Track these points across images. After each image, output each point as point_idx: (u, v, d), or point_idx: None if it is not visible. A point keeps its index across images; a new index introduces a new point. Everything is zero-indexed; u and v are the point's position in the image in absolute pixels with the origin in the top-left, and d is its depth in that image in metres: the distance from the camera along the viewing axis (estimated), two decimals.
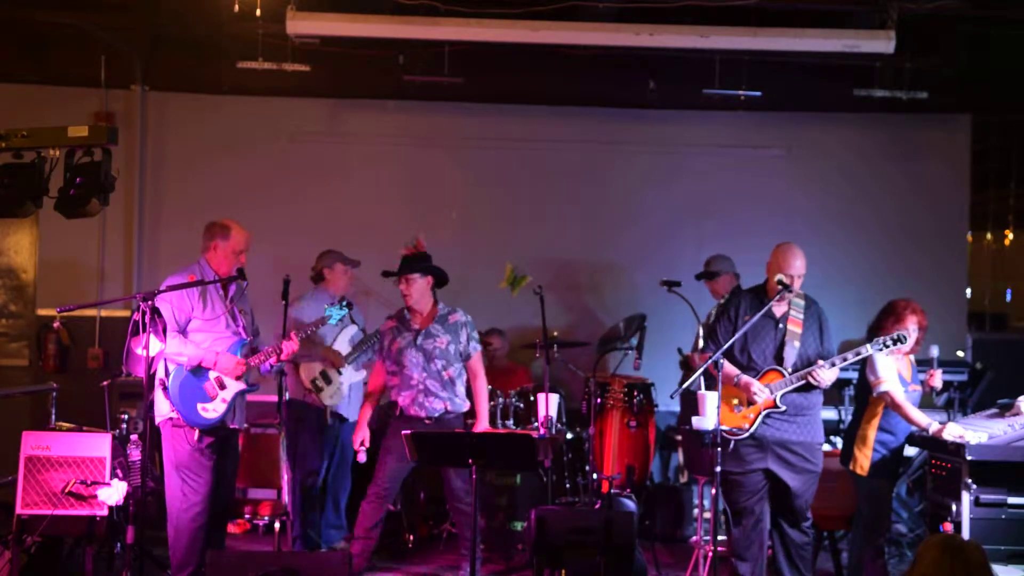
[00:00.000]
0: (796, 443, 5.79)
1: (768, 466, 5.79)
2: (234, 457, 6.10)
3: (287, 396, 6.95)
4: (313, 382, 7.03)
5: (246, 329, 5.96)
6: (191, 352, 5.74)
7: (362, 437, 6.32)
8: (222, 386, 5.79)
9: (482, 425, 6.42)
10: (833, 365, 5.73)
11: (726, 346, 5.79)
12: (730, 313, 5.95)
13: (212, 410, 5.76)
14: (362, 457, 6.32)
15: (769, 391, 5.74)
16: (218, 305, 5.88)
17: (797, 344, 5.80)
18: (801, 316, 5.85)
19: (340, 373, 7.16)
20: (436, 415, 6.26)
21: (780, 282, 5.79)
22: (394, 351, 6.33)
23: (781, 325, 5.84)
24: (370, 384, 6.57)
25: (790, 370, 5.75)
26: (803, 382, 5.75)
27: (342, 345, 7.21)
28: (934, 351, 6.11)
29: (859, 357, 5.74)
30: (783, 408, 5.73)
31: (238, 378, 5.81)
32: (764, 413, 5.76)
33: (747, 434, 5.77)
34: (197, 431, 5.75)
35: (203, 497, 5.78)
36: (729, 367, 5.85)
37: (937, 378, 6.12)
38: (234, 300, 5.95)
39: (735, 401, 5.84)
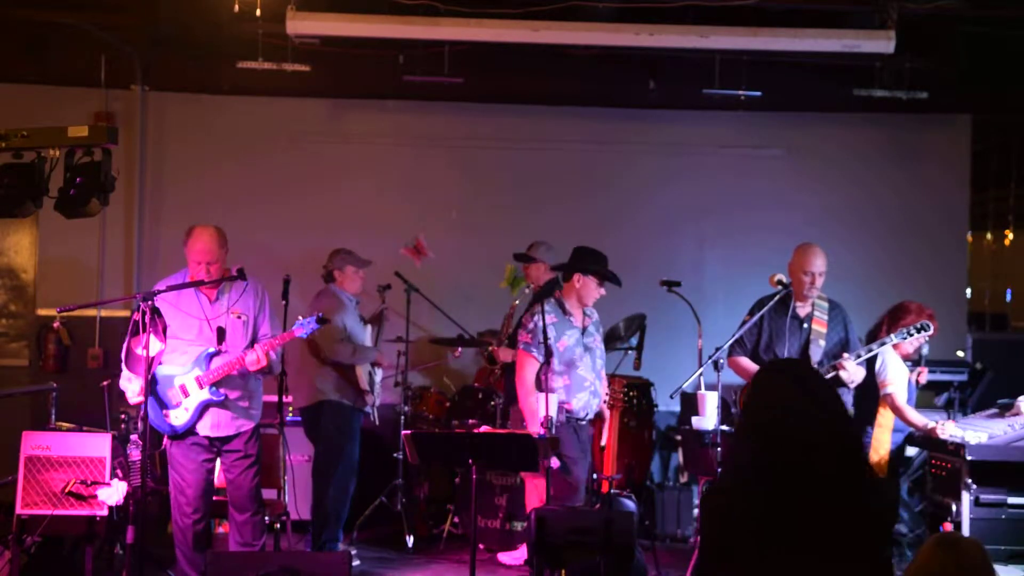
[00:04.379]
0: None
1: None
2: (235, 459, 5.87)
3: (330, 398, 6.93)
4: (368, 382, 7.03)
5: (224, 338, 5.75)
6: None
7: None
8: (186, 393, 5.71)
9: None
10: (859, 357, 5.77)
11: (725, 346, 5.84)
12: (754, 316, 5.99)
13: (176, 417, 5.72)
14: (555, 462, 5.87)
15: None
16: (194, 311, 5.77)
17: (822, 343, 5.89)
18: (825, 317, 5.96)
19: (377, 372, 7.18)
20: (592, 416, 6.22)
21: (780, 282, 5.86)
22: (562, 349, 6.10)
23: (806, 325, 5.93)
24: (532, 382, 6.11)
25: (817, 364, 5.80)
26: (829, 375, 5.78)
27: (371, 343, 7.23)
28: (924, 348, 6.16)
29: (884, 346, 5.80)
30: None
31: (204, 388, 5.72)
32: None
33: None
34: (164, 436, 5.81)
35: (189, 499, 5.77)
36: (754, 367, 5.91)
37: (924, 375, 6.21)
38: (219, 303, 5.80)
39: None
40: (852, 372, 5.79)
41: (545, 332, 5.97)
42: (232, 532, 5.96)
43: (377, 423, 7.19)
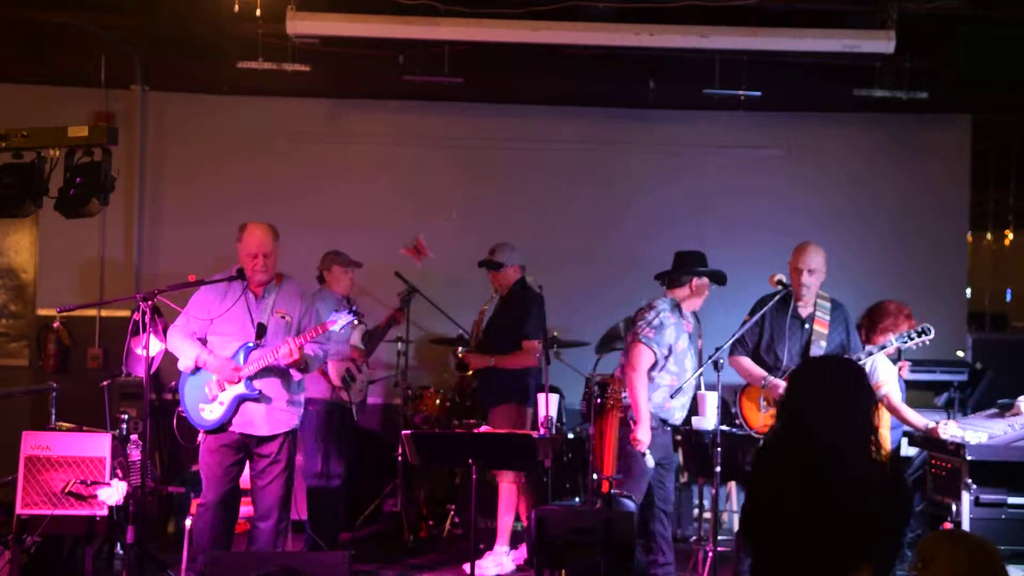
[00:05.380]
0: None
1: None
2: (265, 464, 5.78)
3: (308, 395, 6.94)
4: (343, 379, 7.04)
5: (264, 333, 5.74)
6: (187, 351, 5.70)
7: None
8: (222, 388, 5.70)
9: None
10: (859, 360, 5.73)
11: (725, 345, 5.83)
12: (755, 316, 5.99)
13: (210, 411, 5.70)
14: (650, 461, 5.95)
15: None
16: (238, 308, 5.75)
17: (824, 343, 5.85)
18: (827, 317, 5.91)
19: (360, 371, 7.18)
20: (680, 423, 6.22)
21: (780, 282, 5.84)
22: (679, 351, 6.09)
23: (807, 325, 5.90)
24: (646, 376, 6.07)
25: None
26: None
27: (356, 343, 7.23)
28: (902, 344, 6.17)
29: (884, 350, 5.77)
30: None
31: (239, 382, 5.67)
32: None
33: None
34: (201, 432, 5.77)
35: (210, 501, 5.73)
36: (756, 368, 5.91)
37: (905, 369, 6.22)
38: (261, 301, 5.79)
39: (762, 401, 5.86)
40: None
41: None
42: (253, 539, 5.88)
43: (356, 419, 7.18)
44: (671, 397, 6.04)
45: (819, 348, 5.85)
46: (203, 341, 5.81)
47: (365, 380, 7.29)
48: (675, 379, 6.07)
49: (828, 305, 5.97)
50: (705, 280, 6.22)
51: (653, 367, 6.02)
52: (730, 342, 5.89)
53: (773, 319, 5.93)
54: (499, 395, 6.96)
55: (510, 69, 8.38)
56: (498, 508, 6.90)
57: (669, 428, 6.13)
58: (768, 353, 5.91)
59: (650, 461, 5.89)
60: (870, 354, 5.82)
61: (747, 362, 5.94)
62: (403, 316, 7.70)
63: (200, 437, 5.80)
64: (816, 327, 5.88)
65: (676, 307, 6.18)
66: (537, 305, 7.02)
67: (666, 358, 6.06)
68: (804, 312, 5.93)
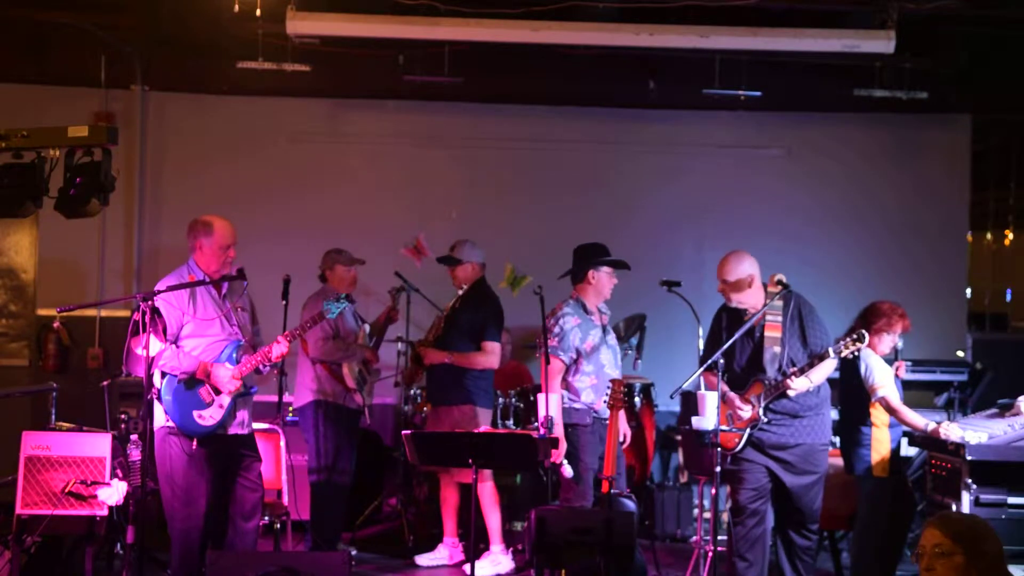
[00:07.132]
0: (794, 446, 5.71)
1: (768, 465, 5.77)
2: (250, 463, 5.73)
3: (318, 397, 6.95)
4: (356, 380, 7.02)
5: (243, 329, 5.71)
6: (184, 364, 5.52)
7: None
8: (218, 391, 5.56)
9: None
10: (802, 371, 5.61)
11: (724, 348, 5.77)
12: (715, 326, 5.96)
13: (209, 416, 5.55)
14: (568, 471, 5.97)
15: (752, 404, 5.70)
16: (211, 306, 5.65)
17: (778, 349, 5.68)
18: (779, 319, 5.72)
19: (370, 372, 7.17)
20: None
21: (780, 282, 5.77)
22: (589, 350, 6.13)
23: (758, 333, 5.77)
24: (559, 386, 6.13)
25: (770, 378, 5.69)
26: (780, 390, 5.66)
27: (366, 343, 7.23)
28: (899, 343, 6.13)
29: (823, 362, 5.63)
30: (766, 419, 5.68)
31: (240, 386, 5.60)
32: (751, 425, 5.73)
33: (739, 447, 5.76)
34: (194, 440, 5.56)
35: (199, 512, 5.55)
36: (721, 386, 5.86)
37: (902, 369, 6.18)
38: (227, 298, 5.71)
39: (729, 415, 5.83)
40: (801, 386, 5.61)
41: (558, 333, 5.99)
42: (234, 539, 5.74)
43: (368, 421, 7.18)
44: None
45: (773, 355, 5.66)
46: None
47: (374, 381, 7.29)
48: (594, 378, 6.08)
49: (780, 304, 5.73)
50: (604, 271, 6.23)
51: (568, 373, 6.06)
52: (724, 348, 5.79)
53: (729, 333, 5.83)
54: (452, 394, 6.88)
55: (510, 69, 8.39)
56: (482, 510, 6.85)
57: (605, 422, 6.03)
58: (727, 368, 5.87)
59: (568, 471, 5.91)
60: (811, 365, 5.60)
61: (713, 380, 5.91)
62: (398, 314, 7.66)
63: (191, 447, 5.55)
64: (768, 333, 5.69)
65: (580, 306, 6.17)
66: (496, 305, 6.99)
67: (575, 361, 6.08)
68: (755, 319, 5.80)
